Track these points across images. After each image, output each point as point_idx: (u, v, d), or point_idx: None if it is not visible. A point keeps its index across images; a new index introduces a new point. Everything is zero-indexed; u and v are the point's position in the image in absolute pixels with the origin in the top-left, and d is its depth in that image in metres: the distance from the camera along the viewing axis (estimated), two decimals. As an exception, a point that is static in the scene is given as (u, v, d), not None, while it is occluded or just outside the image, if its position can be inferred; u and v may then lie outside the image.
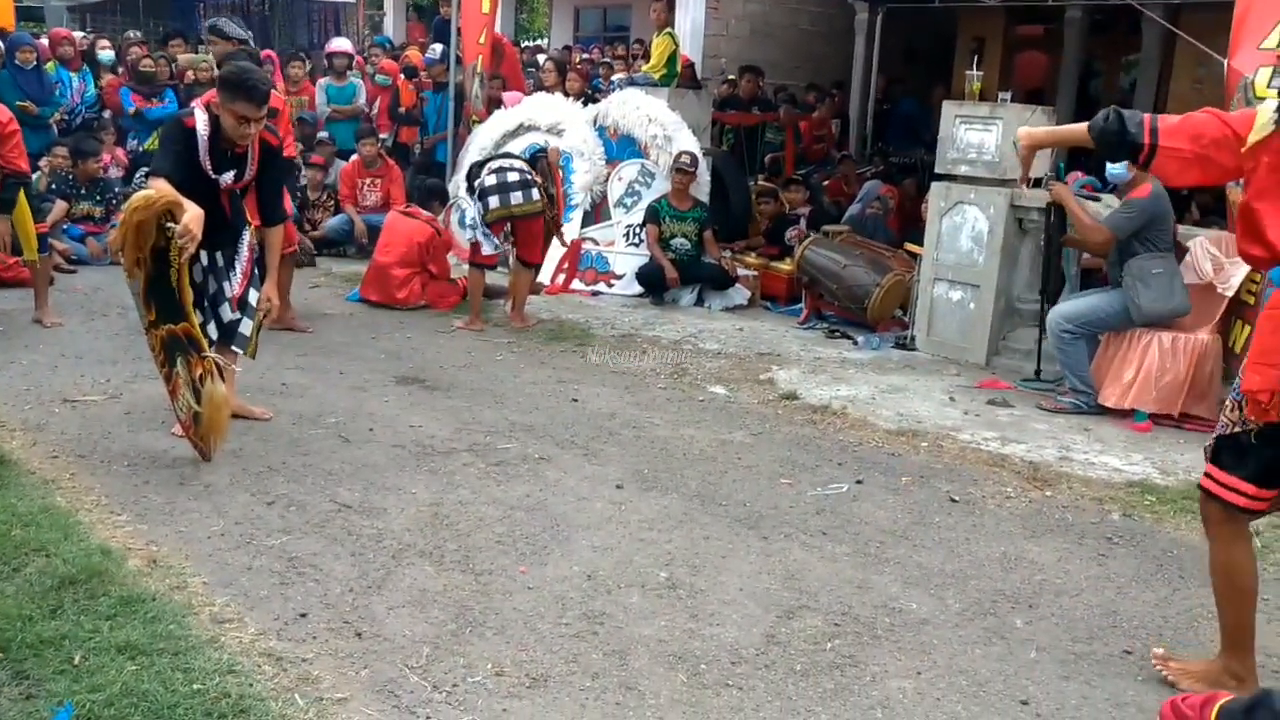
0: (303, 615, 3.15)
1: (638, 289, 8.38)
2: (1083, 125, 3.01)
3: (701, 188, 8.59)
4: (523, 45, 16.04)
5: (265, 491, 4.09)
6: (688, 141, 8.54)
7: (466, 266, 8.58)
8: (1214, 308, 5.67)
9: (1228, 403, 2.87)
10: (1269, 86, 5.11)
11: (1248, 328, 5.50)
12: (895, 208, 9.33)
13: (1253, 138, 2.72)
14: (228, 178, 4.47)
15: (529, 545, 3.72)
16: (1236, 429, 2.80)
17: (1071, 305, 5.87)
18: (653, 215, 8.30)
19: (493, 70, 10.06)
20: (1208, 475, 2.89)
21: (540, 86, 10.34)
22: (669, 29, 9.59)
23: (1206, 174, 2.83)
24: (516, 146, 8.90)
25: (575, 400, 5.55)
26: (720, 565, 3.64)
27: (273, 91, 4.95)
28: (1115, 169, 5.75)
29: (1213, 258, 5.72)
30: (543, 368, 6.21)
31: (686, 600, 3.38)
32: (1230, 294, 5.55)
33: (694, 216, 8.35)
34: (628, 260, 8.55)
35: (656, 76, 9.19)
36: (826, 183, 10.40)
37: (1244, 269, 5.46)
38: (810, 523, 4.09)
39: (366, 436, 4.80)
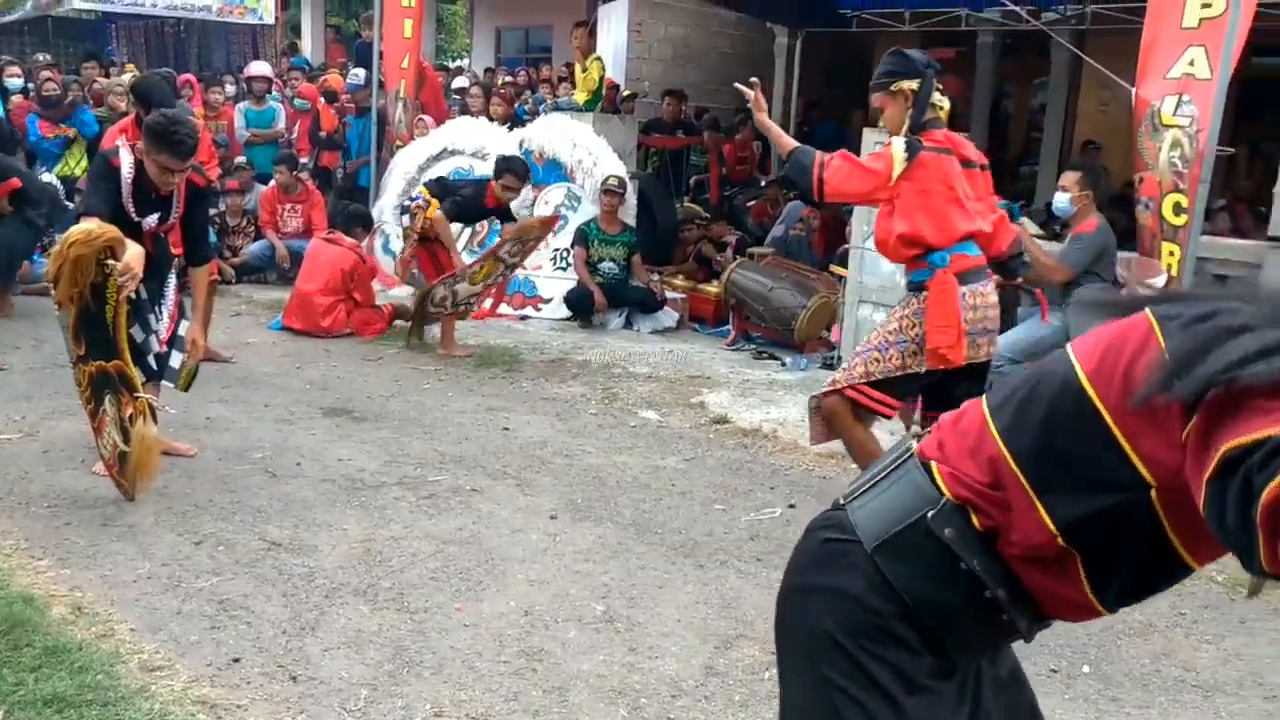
0: (235, 660, 3.08)
1: (566, 313, 8.38)
2: (789, 145, 4.07)
3: (629, 211, 8.63)
4: (448, 67, 15.97)
5: (192, 531, 4.00)
6: (614, 165, 8.59)
7: (392, 292, 8.50)
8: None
9: (893, 352, 3.97)
10: (1174, 114, 5.31)
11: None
12: (819, 229, 9.46)
13: (895, 172, 3.75)
14: (151, 220, 4.38)
15: (464, 581, 3.70)
16: (913, 370, 3.94)
17: (1005, 339, 6.00)
18: (581, 239, 8.32)
19: (416, 95, 10.00)
20: (860, 391, 4.00)
21: (464, 110, 10.31)
22: (596, 55, 9.64)
23: (865, 202, 4.40)
24: (440, 171, 8.87)
25: (506, 429, 5.53)
26: (657, 596, 3.66)
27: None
28: (1060, 203, 5.94)
29: (1121, 277, 5.91)
30: (472, 395, 6.18)
31: (624, 633, 3.38)
32: (1142, 314, 5.72)
33: (622, 240, 8.38)
34: (555, 284, 8.55)
35: (581, 101, 9.23)
36: (751, 204, 10.52)
37: (1156, 289, 5.64)
38: (745, 549, 4.13)
39: (294, 471, 4.73)
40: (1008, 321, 6.14)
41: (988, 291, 3.91)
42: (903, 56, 3.94)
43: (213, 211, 8.72)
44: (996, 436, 1.43)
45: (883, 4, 10.25)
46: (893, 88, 3.88)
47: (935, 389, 4.18)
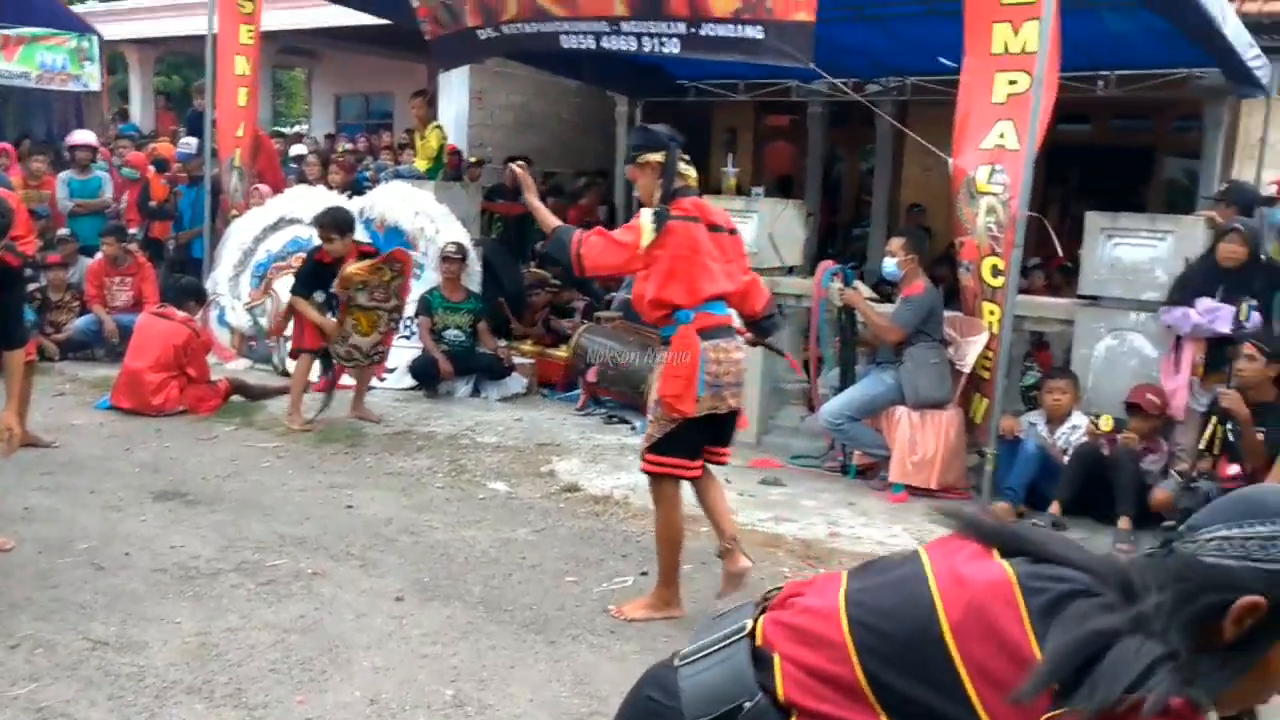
0: (53, 776, 2.87)
1: (411, 382, 8.25)
2: (552, 224, 4.31)
3: (473, 278, 8.59)
4: (284, 133, 15.67)
5: (8, 633, 3.73)
6: (456, 232, 8.55)
7: (228, 367, 8.22)
8: (954, 383, 6.13)
9: (653, 410, 4.12)
10: (989, 182, 5.63)
11: (985, 400, 5.99)
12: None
13: (644, 242, 3.96)
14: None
15: (306, 671, 3.55)
16: (671, 426, 4.03)
17: (843, 400, 6.20)
18: (424, 307, 8.23)
19: (251, 164, 9.77)
20: (651, 462, 4.12)
21: (301, 179, 10.12)
22: (436, 123, 9.64)
23: (623, 273, 4.61)
24: (277, 241, 8.67)
25: (349, 507, 5.38)
26: (508, 676, 3.59)
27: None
28: (889, 268, 6.21)
29: (949, 336, 6.20)
30: (313, 473, 5.99)
31: (475, 718, 3.30)
32: (967, 370, 6.01)
33: (467, 307, 8.33)
34: (399, 353, 8.40)
35: (423, 169, 9.18)
36: (597, 269, 10.60)
37: (979, 346, 5.94)
38: (597, 622, 4.10)
39: (123, 562, 4.48)
40: (846, 380, 6.38)
41: (731, 347, 4.09)
42: (647, 132, 4.20)
43: (33, 287, 8.28)
44: (853, 652, 1.40)
45: (717, 74, 10.59)
46: (640, 160, 4.10)
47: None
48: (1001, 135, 5.59)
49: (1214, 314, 5.39)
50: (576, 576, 4.59)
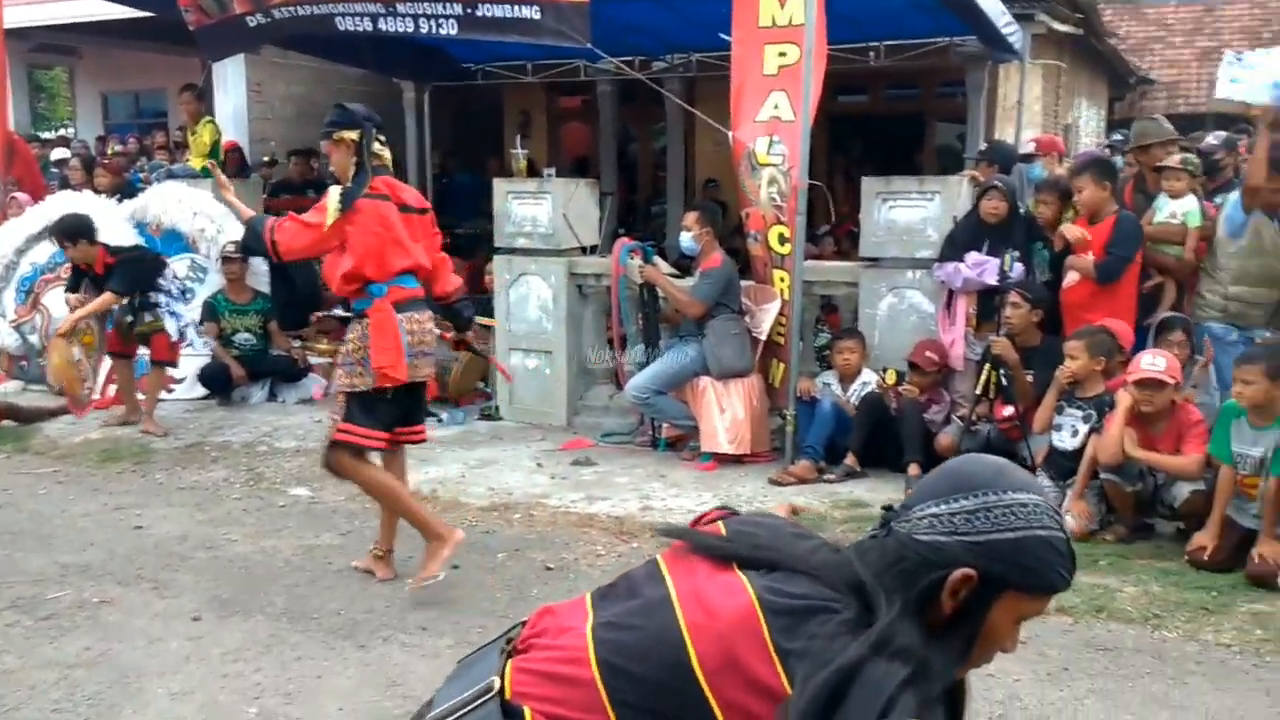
0: None
1: (202, 391, 7.84)
2: (247, 214, 4.54)
3: (259, 278, 8.22)
4: (41, 137, 14.60)
5: None
6: (237, 231, 8.15)
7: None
8: (754, 351, 6.28)
9: (340, 372, 4.18)
10: (769, 153, 5.79)
11: (782, 365, 6.17)
12: (465, 280, 9.46)
13: (329, 221, 4.04)
14: None
15: (94, 707, 3.33)
16: (363, 390, 4.08)
17: (648, 374, 6.25)
18: (210, 312, 7.83)
19: (7, 171, 9.05)
20: (344, 431, 4.11)
21: (65, 184, 9.45)
22: (208, 118, 9.16)
23: (317, 253, 4.35)
24: (42, 253, 8.08)
25: (138, 527, 5.07)
26: (316, 687, 3.47)
27: None
28: (686, 243, 6.29)
29: (746, 306, 6.35)
30: (97, 495, 5.62)
31: (282, 733, 3.17)
32: (764, 337, 6.18)
33: (255, 309, 7.98)
34: (187, 361, 7.97)
35: (198, 167, 8.71)
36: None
37: (773, 313, 6.11)
38: (409, 620, 4.01)
39: (-124, 613, 4.08)
40: (651, 356, 6.44)
41: (424, 318, 4.26)
42: (343, 109, 4.26)
43: None
44: (605, 696, 1.38)
45: (504, 56, 10.47)
46: (335, 137, 4.17)
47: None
48: (776, 107, 5.75)
49: (981, 267, 5.71)
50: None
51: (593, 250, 7.30)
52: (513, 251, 7.16)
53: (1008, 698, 3.42)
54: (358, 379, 4.12)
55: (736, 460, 6.09)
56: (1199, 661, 3.66)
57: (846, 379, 6.10)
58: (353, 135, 4.12)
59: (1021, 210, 6.06)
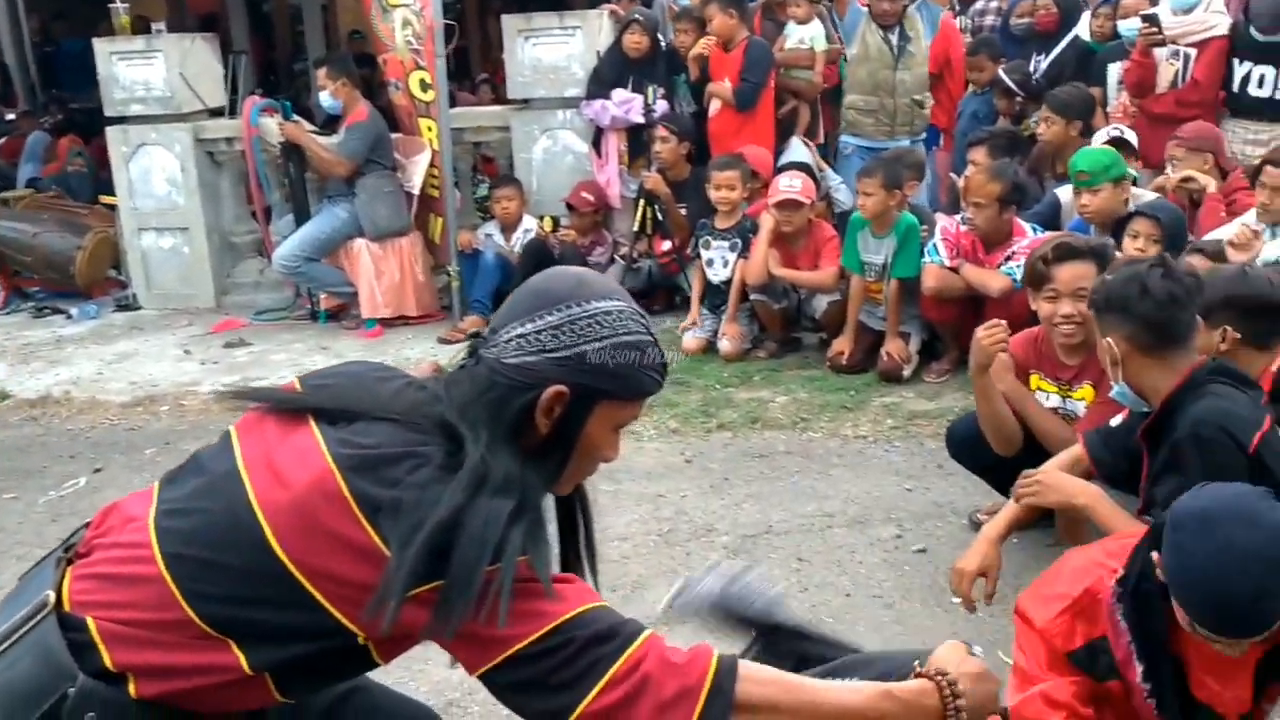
0: None
1: None
2: None
3: None
4: None
5: None
6: None
7: None
8: (409, 208, 6.03)
9: None
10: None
11: (440, 219, 5.99)
12: (92, 161, 8.47)
13: None
14: None
15: None
16: None
17: (296, 241, 5.86)
18: None
19: None
20: None
21: None
22: None
23: None
24: None
25: None
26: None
27: None
28: (326, 101, 5.87)
29: (399, 162, 6.05)
30: None
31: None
32: (417, 191, 5.94)
33: None
34: None
35: None
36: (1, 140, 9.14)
37: (423, 165, 5.87)
38: (46, 533, 3.63)
39: None
40: (301, 223, 6.05)
41: None
42: None
43: None
44: (177, 590, 1.23)
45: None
46: None
47: None
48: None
49: (627, 104, 5.71)
50: (17, 492, 4.05)
51: (222, 113, 6.69)
52: (127, 120, 6.44)
53: (675, 514, 3.58)
54: None
55: (404, 322, 5.91)
56: (840, 455, 3.97)
57: (508, 228, 6.00)
58: None
59: (663, 44, 6.08)
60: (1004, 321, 2.98)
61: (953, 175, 5.49)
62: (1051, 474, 2.38)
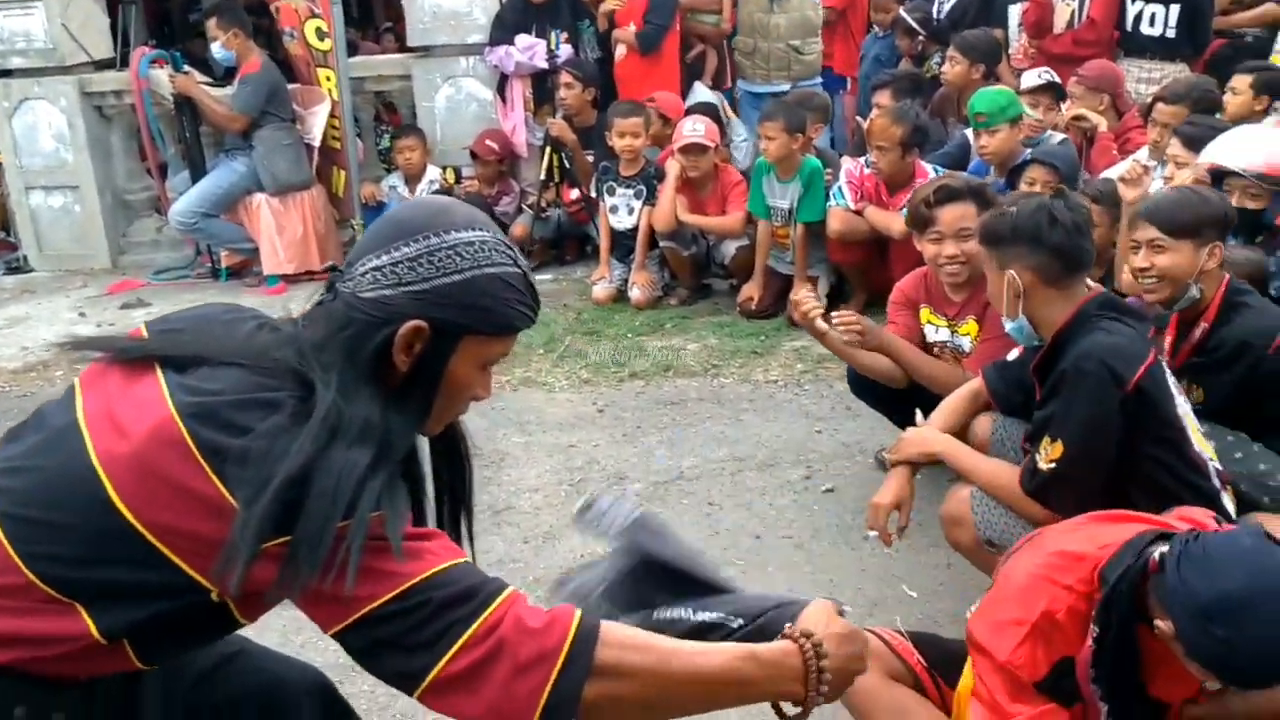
0: None
1: None
2: None
3: None
4: None
5: None
6: None
7: None
8: (310, 161, 5.87)
9: None
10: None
11: (343, 171, 5.84)
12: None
13: None
14: None
15: None
16: None
17: (193, 196, 5.67)
18: None
19: None
20: None
21: None
22: None
23: None
24: None
25: None
26: None
27: None
28: (218, 53, 5.65)
29: (299, 114, 5.88)
30: None
31: None
32: (317, 143, 5.78)
33: None
34: None
35: None
36: None
37: (323, 116, 5.71)
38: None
39: None
40: (197, 178, 5.85)
41: None
42: None
43: None
44: (13, 553, 1.16)
45: None
46: None
47: None
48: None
49: (531, 49, 5.60)
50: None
51: (112, 65, 6.41)
52: (8, 74, 6.14)
53: (587, 463, 3.57)
54: None
55: (309, 277, 5.77)
56: (751, 399, 4.00)
57: (412, 179, 5.88)
58: None
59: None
60: (814, 294, 3.22)
61: (858, 119, 5.52)
62: (910, 431, 2.51)
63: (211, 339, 1.25)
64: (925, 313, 3.16)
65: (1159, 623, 1.47)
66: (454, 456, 1.44)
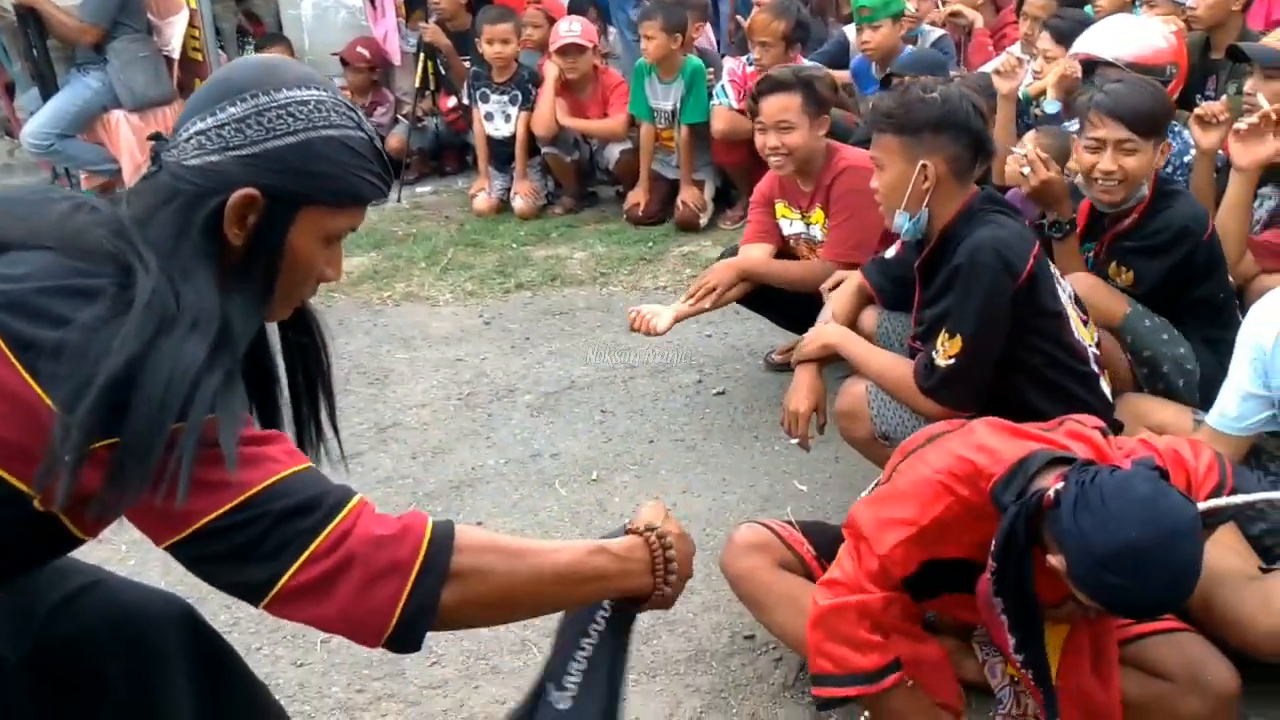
0: None
1: None
2: None
3: None
4: None
5: None
6: None
7: None
8: (171, 74, 5.55)
9: None
10: None
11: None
12: None
13: None
14: None
15: None
16: None
17: (45, 116, 5.30)
18: None
19: None
20: None
21: None
22: None
23: None
24: None
25: None
26: None
27: None
28: None
29: (151, 22, 5.54)
30: None
31: None
32: (176, 55, 5.45)
33: None
34: None
35: None
36: None
37: (181, 25, 5.40)
38: None
39: None
40: (49, 96, 5.49)
41: None
42: None
43: None
44: None
45: None
46: None
47: None
48: None
49: (397, -51, 5.39)
50: None
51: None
52: None
53: (475, 376, 3.52)
54: None
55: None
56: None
57: (280, 91, 5.63)
58: None
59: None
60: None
61: (738, 17, 5.44)
62: (811, 331, 2.52)
63: (15, 219, 1.10)
64: (780, 207, 3.15)
65: (1051, 558, 1.49)
66: (307, 345, 1.33)
